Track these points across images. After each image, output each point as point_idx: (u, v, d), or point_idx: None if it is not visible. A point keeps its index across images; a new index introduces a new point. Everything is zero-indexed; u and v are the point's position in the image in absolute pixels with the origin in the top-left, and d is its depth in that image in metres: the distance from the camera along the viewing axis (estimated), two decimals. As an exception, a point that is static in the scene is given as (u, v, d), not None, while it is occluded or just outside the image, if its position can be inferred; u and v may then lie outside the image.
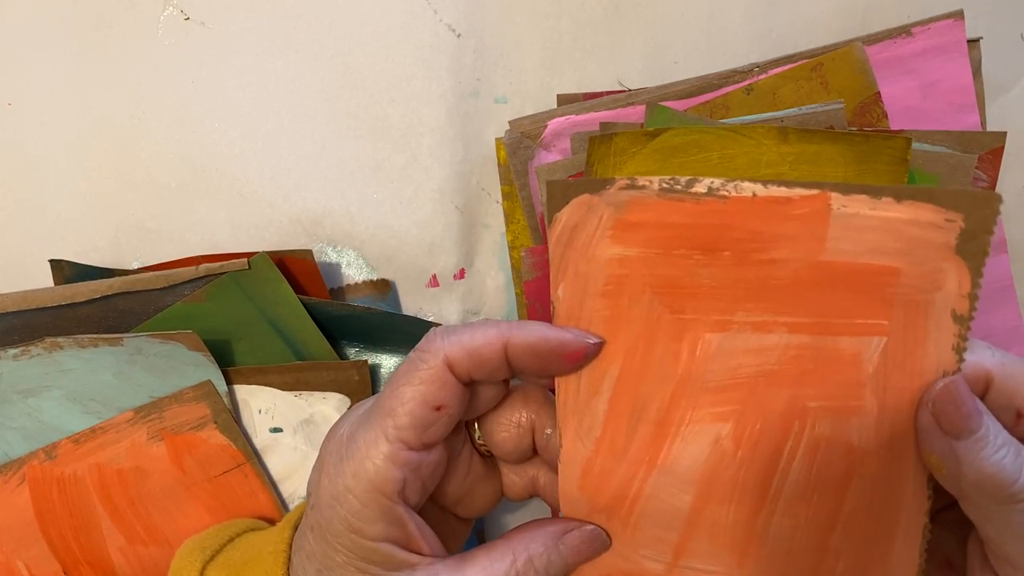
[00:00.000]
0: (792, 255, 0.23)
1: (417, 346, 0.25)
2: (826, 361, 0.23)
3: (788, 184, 0.23)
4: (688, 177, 0.23)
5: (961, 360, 0.22)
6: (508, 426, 0.27)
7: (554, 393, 0.26)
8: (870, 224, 0.23)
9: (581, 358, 0.24)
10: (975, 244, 0.22)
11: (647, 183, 0.24)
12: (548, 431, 0.26)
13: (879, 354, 0.23)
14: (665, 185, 0.24)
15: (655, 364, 0.24)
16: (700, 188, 0.23)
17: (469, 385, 0.25)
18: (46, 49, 0.41)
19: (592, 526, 0.26)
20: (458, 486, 0.28)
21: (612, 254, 0.24)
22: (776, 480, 0.24)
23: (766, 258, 0.23)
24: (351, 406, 0.38)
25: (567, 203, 0.24)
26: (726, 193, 0.23)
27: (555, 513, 0.28)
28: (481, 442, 0.28)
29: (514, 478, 0.29)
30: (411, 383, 0.24)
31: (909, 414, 0.23)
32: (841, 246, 0.23)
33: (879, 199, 0.22)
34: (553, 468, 0.27)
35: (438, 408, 0.24)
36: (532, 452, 0.27)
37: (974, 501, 0.22)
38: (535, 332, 0.24)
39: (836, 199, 0.23)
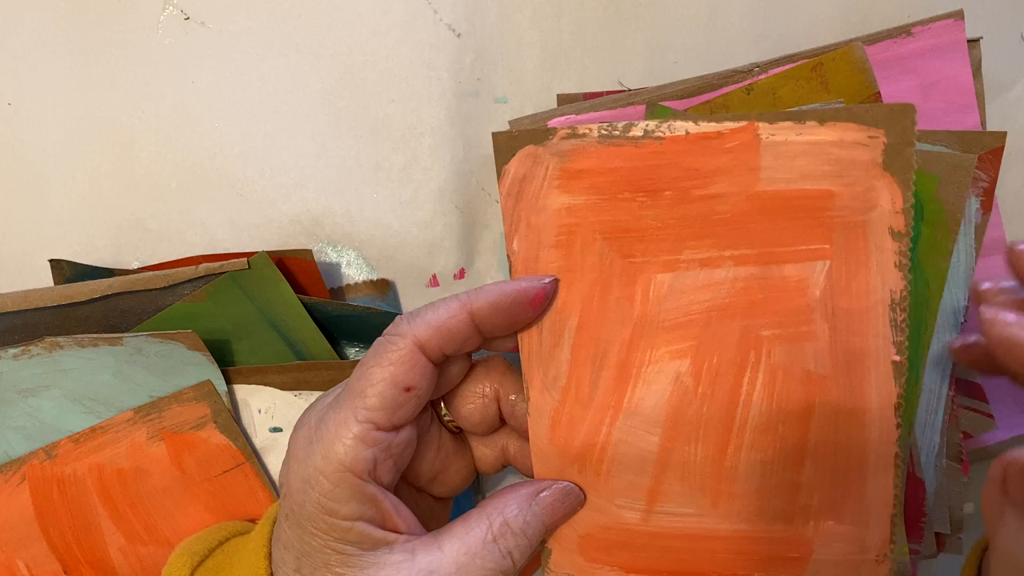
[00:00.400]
0: (729, 188, 0.24)
1: (385, 331, 0.25)
2: (774, 289, 0.24)
3: (718, 119, 0.24)
4: (625, 123, 0.24)
5: (906, 277, 0.23)
6: (473, 398, 0.27)
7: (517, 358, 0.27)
8: (799, 150, 0.23)
9: (543, 300, 0.25)
10: (900, 158, 0.22)
11: (587, 131, 0.25)
12: (512, 397, 0.27)
13: (824, 278, 0.23)
14: (604, 132, 0.24)
15: (612, 309, 0.25)
16: (637, 132, 0.24)
17: (439, 364, 0.25)
18: (46, 49, 0.41)
19: (565, 483, 0.26)
20: (430, 465, 0.28)
21: (561, 203, 0.25)
22: (739, 413, 0.25)
23: (705, 194, 0.24)
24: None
25: (513, 155, 0.25)
26: (661, 134, 0.24)
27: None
28: (448, 418, 0.28)
29: (484, 451, 0.29)
30: (380, 364, 0.24)
31: (861, 336, 0.23)
32: (775, 175, 0.23)
33: (803, 124, 0.23)
34: (521, 434, 0.27)
35: (408, 389, 0.24)
36: (499, 422, 0.28)
37: (995, 556, 0.23)
38: (493, 291, 0.25)
39: (764, 128, 0.23)
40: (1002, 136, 0.36)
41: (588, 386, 0.25)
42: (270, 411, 0.38)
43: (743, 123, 0.23)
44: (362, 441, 0.24)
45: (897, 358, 0.23)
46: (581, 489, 0.26)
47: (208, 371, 0.36)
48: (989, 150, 0.37)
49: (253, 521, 0.37)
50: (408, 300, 0.42)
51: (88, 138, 0.41)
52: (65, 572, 0.36)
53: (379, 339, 0.25)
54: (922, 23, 0.38)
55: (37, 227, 0.41)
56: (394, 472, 0.25)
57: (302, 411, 0.38)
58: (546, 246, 0.25)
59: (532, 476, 0.28)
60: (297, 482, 0.24)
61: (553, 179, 0.25)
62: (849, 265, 0.23)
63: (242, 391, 0.38)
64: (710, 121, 0.24)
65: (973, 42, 0.38)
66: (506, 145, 0.25)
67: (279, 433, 0.38)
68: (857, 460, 0.24)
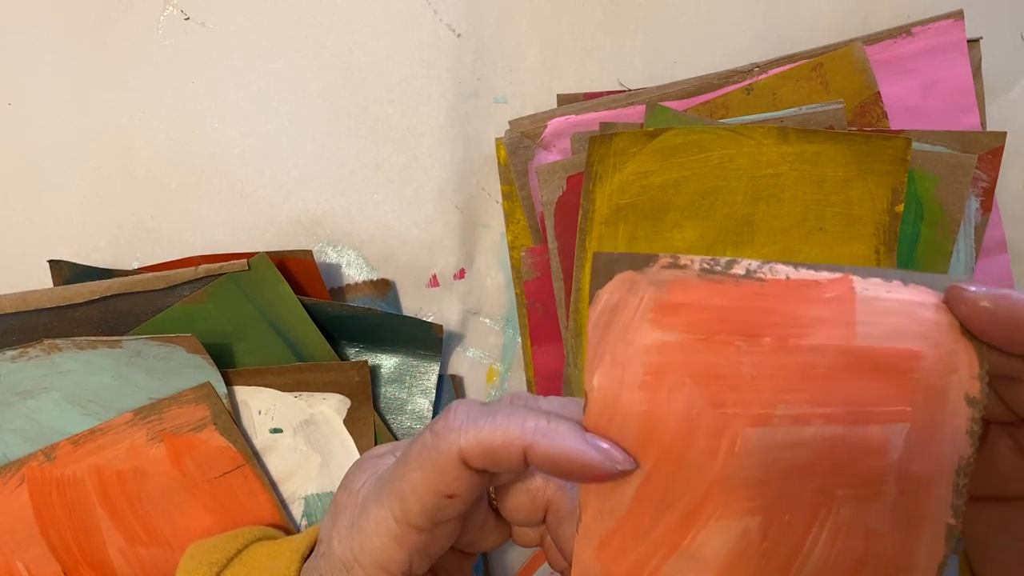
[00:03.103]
0: (827, 341, 0.23)
1: (433, 425, 0.23)
2: (856, 450, 0.23)
3: (815, 267, 0.23)
4: (728, 258, 0.23)
5: (974, 444, 0.22)
6: (523, 499, 0.26)
7: None
8: (890, 307, 0.23)
9: (606, 479, 0.23)
10: None
11: (688, 263, 0.23)
12: (562, 515, 0.26)
13: (903, 440, 0.23)
14: (706, 266, 0.23)
15: (691, 461, 0.24)
16: (739, 270, 0.23)
17: (485, 473, 0.24)
18: (46, 49, 0.41)
19: None
20: (469, 536, 0.27)
21: (652, 340, 0.24)
22: (796, 566, 0.24)
23: (803, 344, 0.23)
24: (349, 411, 0.38)
25: (610, 279, 0.24)
26: (762, 276, 0.23)
27: (556, 567, 0.28)
28: (494, 499, 0.27)
29: (525, 529, 0.28)
30: (423, 469, 0.23)
31: (924, 498, 0.23)
32: (869, 330, 0.23)
33: (890, 282, 0.23)
34: (558, 545, 0.27)
35: (450, 496, 0.23)
36: (542, 521, 0.27)
37: None
38: (560, 446, 0.22)
39: (858, 282, 0.23)
40: (1002, 136, 0.36)
41: (647, 524, 0.24)
42: (270, 412, 0.38)
43: (838, 274, 0.23)
44: (398, 543, 0.23)
45: (952, 521, 0.23)
46: None
47: (208, 373, 0.36)
48: (989, 150, 0.37)
49: (271, 526, 0.36)
50: (408, 300, 0.42)
51: (88, 138, 0.41)
52: (65, 573, 0.36)
53: (425, 436, 0.23)
54: (922, 23, 0.38)
55: (37, 227, 0.41)
56: (430, 561, 0.25)
57: (302, 412, 0.38)
58: (629, 387, 0.23)
59: (559, 571, 0.27)
60: (336, 558, 0.24)
61: (647, 311, 0.23)
62: (927, 429, 0.23)
63: (242, 392, 0.37)
64: (808, 268, 0.23)
65: (973, 42, 0.38)
66: (604, 268, 0.24)
67: (279, 434, 0.38)
68: None
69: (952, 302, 0.22)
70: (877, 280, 0.23)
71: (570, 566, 0.25)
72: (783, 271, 0.23)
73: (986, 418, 0.25)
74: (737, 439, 0.23)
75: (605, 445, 0.23)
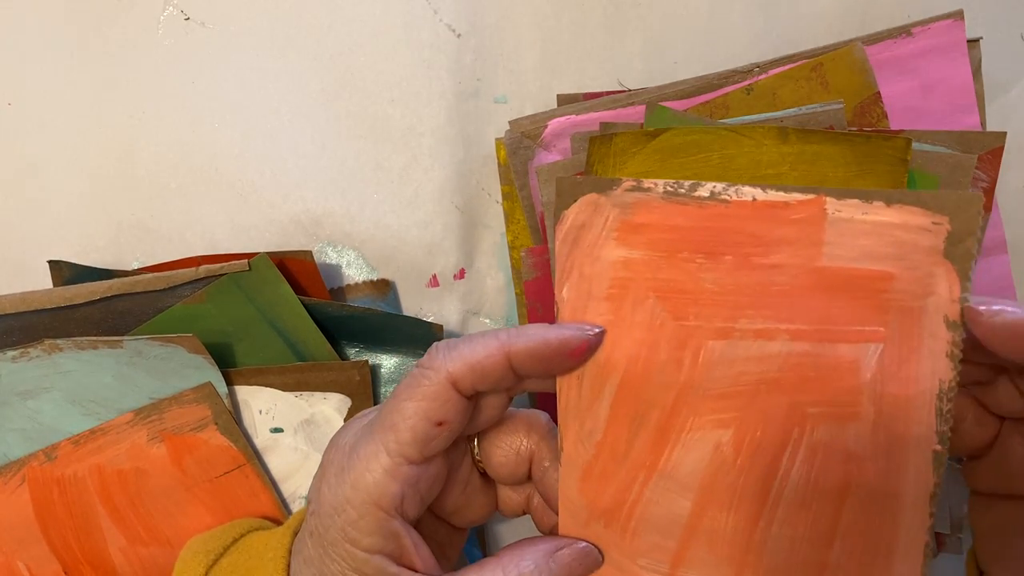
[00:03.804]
0: (791, 260, 0.24)
1: (419, 361, 0.25)
2: (826, 368, 0.23)
3: (786, 189, 0.23)
4: (692, 181, 0.24)
5: (956, 368, 0.22)
6: (507, 451, 0.27)
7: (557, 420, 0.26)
8: (863, 229, 0.23)
9: (585, 352, 0.24)
10: (962, 247, 0.22)
11: (652, 185, 0.24)
12: (546, 464, 0.27)
13: (876, 361, 0.23)
14: (669, 188, 0.24)
15: (657, 371, 0.24)
16: (703, 192, 0.24)
17: (473, 398, 0.25)
18: (46, 49, 0.41)
19: (584, 543, 0.26)
20: (455, 499, 0.28)
21: (617, 256, 0.25)
22: (775, 487, 0.24)
23: (766, 263, 0.24)
24: (350, 410, 0.38)
25: (575, 201, 0.25)
26: (727, 197, 0.24)
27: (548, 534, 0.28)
28: (479, 458, 0.28)
29: (510, 494, 0.29)
30: (413, 398, 0.24)
31: (905, 422, 0.23)
32: (837, 251, 0.23)
33: (870, 203, 0.23)
34: (545, 498, 0.27)
35: (440, 424, 0.24)
36: (527, 478, 0.28)
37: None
38: (535, 336, 0.24)
39: (831, 203, 0.23)
40: (1002, 136, 0.36)
41: (624, 443, 0.25)
42: (271, 412, 0.38)
43: (811, 196, 0.23)
44: (391, 475, 0.24)
45: (938, 448, 0.23)
46: (600, 552, 0.26)
47: (209, 373, 0.36)
48: (989, 150, 0.37)
49: (266, 519, 0.37)
50: (408, 300, 0.42)
51: (88, 138, 0.41)
52: (66, 573, 0.36)
53: (413, 369, 0.25)
54: (922, 23, 0.38)
55: (37, 227, 0.41)
56: (420, 505, 0.25)
57: (303, 411, 0.38)
58: (596, 298, 0.25)
59: (549, 533, 0.27)
60: (326, 506, 0.25)
61: (612, 230, 0.25)
62: (902, 350, 0.23)
63: (243, 392, 0.38)
64: (778, 190, 0.23)
65: (973, 42, 0.38)
66: (568, 191, 0.25)
67: (280, 434, 0.38)
68: (886, 545, 0.23)
69: (969, 323, 0.22)
70: (854, 201, 0.23)
71: (558, 518, 0.26)
72: (749, 193, 0.24)
73: (1000, 414, 0.25)
74: (701, 350, 0.24)
75: (574, 323, 0.25)
